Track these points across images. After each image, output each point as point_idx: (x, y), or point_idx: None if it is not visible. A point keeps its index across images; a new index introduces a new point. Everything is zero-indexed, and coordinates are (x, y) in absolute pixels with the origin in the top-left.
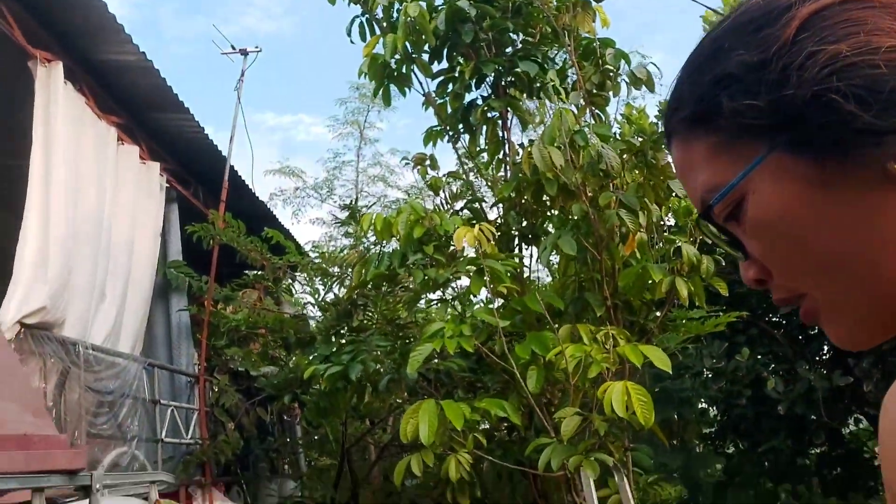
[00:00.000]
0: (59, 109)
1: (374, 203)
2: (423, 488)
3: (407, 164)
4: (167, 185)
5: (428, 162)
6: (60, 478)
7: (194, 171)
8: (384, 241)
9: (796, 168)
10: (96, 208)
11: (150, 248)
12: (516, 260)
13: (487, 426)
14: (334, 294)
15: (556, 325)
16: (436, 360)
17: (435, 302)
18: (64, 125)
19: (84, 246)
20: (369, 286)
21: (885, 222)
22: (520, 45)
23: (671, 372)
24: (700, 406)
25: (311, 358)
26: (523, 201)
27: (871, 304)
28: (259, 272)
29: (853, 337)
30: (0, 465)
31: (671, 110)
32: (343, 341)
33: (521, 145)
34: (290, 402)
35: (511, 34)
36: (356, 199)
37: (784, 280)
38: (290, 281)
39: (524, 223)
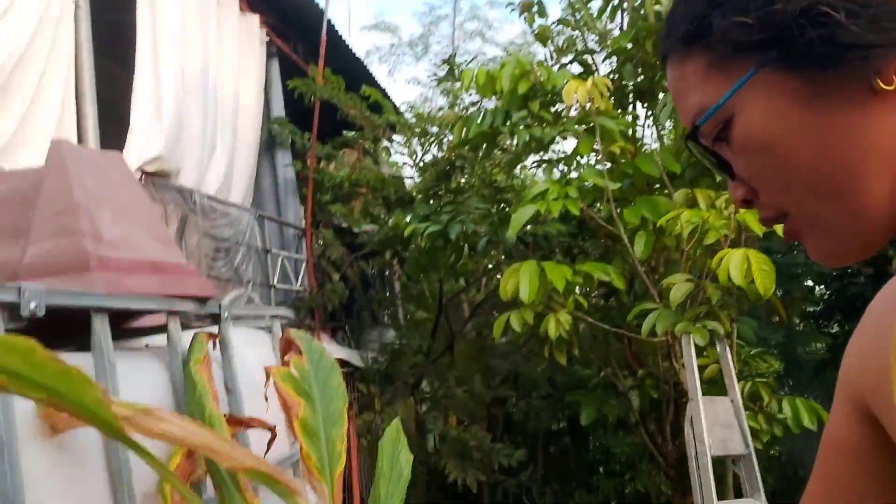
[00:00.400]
0: None
1: (472, 60)
2: (512, 345)
3: (513, 9)
4: (267, 40)
5: (535, 9)
6: (192, 303)
7: (292, 26)
8: (485, 99)
9: (784, 85)
10: (202, 60)
11: (254, 102)
12: (629, 119)
13: (586, 291)
14: (432, 155)
15: (667, 192)
16: (535, 224)
17: (533, 165)
18: None
19: (193, 98)
20: (468, 148)
21: (870, 138)
22: None
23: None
24: (806, 284)
25: (409, 217)
26: (641, 53)
27: (854, 219)
28: (358, 131)
29: (835, 252)
30: (135, 287)
31: (666, 31)
32: (441, 203)
33: None
34: (390, 258)
35: None
36: (454, 55)
37: (770, 198)
38: (388, 142)
39: (641, 78)
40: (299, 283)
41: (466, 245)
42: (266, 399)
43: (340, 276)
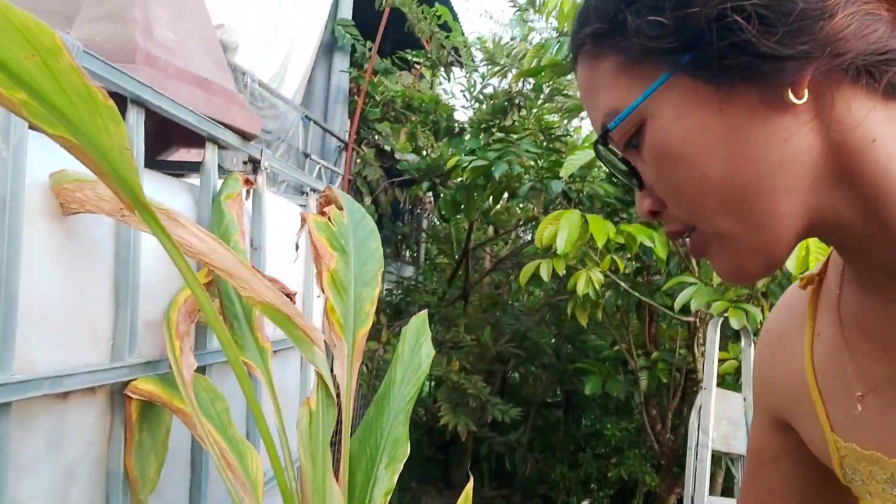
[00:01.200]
0: None
1: None
2: (527, 309)
3: None
4: None
5: None
6: (234, 136)
7: None
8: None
9: (696, 92)
10: None
11: None
12: None
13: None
14: (493, 87)
15: None
16: (581, 181)
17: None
18: None
19: None
20: (532, 85)
21: (780, 154)
22: None
23: None
24: None
25: (455, 149)
26: None
27: (762, 237)
28: (421, 51)
29: (740, 269)
30: (180, 96)
31: (577, 27)
32: (491, 139)
33: None
34: (426, 190)
35: None
36: None
37: (678, 210)
38: (447, 70)
39: None
40: None
41: (508, 189)
42: (297, 248)
43: (372, 199)
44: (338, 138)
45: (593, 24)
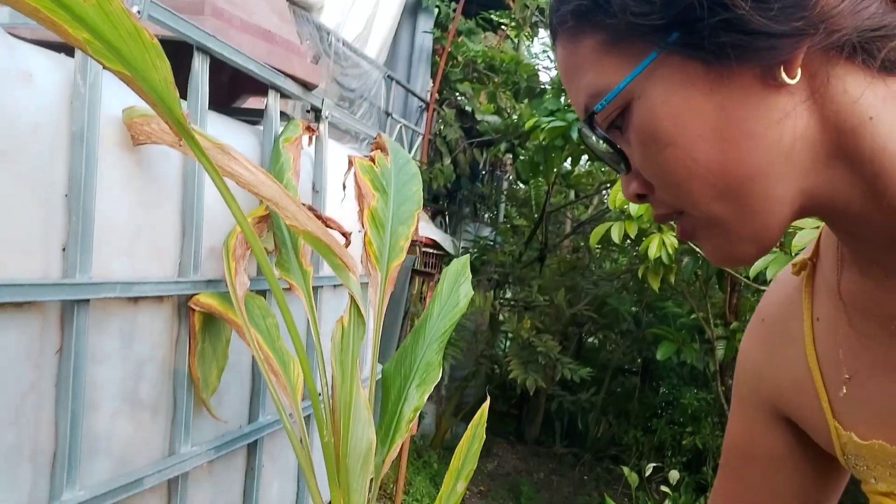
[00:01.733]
0: None
1: None
2: (606, 275)
3: None
4: None
5: None
6: (296, 86)
7: None
8: None
9: (685, 72)
10: None
11: None
12: None
13: None
14: None
15: None
16: None
17: None
18: None
19: None
20: None
21: (772, 135)
22: None
23: None
24: None
25: (535, 110)
26: None
27: (753, 221)
28: (505, 11)
29: (731, 254)
30: (243, 46)
31: (557, 4)
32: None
33: None
34: (505, 151)
35: None
36: None
37: (666, 194)
38: (532, 32)
39: None
40: (412, 154)
41: (586, 153)
42: (343, 188)
43: (451, 159)
44: (419, 98)
45: (575, 1)
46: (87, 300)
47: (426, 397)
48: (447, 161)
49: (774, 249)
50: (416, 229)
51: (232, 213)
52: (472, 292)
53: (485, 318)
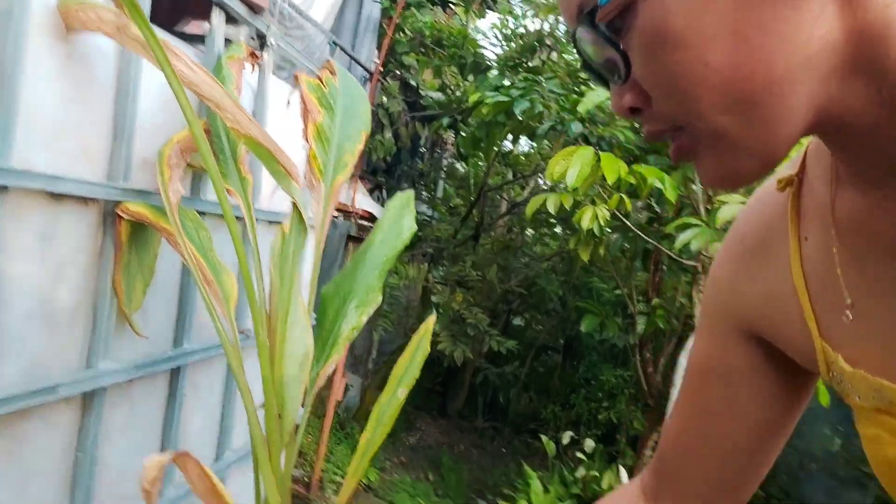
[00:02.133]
0: None
1: None
2: (536, 256)
3: None
4: None
5: None
6: (241, 6)
7: None
8: None
9: None
10: None
11: None
12: None
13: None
14: (524, 28)
15: None
16: (603, 125)
17: None
18: None
19: None
20: (563, 31)
21: (798, 40)
22: None
23: None
24: None
25: (479, 86)
26: None
27: (765, 134)
28: None
29: (734, 172)
30: None
31: None
32: (518, 78)
33: None
34: (447, 126)
35: None
36: None
37: (668, 106)
38: (482, 8)
39: None
40: None
41: (528, 128)
42: (288, 104)
43: (393, 132)
44: (364, 67)
45: None
46: (6, 187)
47: (365, 318)
48: (388, 134)
49: (700, 222)
50: (363, 149)
51: (180, 105)
52: (416, 227)
53: (417, 292)
